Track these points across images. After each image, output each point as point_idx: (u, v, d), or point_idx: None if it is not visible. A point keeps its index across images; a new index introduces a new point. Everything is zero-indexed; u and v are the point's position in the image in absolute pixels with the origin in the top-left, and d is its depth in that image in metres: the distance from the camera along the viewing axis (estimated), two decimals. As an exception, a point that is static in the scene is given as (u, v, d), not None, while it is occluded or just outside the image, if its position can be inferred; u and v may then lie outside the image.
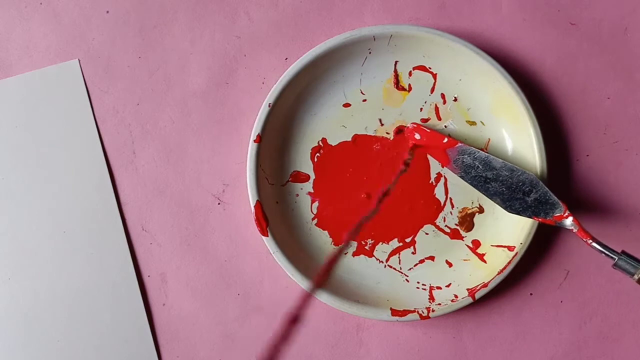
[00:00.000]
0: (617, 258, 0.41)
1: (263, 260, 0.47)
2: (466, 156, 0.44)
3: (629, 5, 0.47)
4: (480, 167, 0.44)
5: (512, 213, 0.43)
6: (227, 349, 0.46)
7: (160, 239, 0.47)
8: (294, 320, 0.34)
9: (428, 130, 0.45)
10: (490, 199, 0.44)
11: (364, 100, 0.46)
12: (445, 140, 0.45)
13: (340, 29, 0.47)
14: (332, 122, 0.46)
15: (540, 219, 0.43)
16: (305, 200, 0.46)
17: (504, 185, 0.43)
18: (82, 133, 0.47)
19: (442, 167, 0.46)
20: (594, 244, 0.42)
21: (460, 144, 0.44)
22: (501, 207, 0.44)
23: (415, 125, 0.46)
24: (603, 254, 0.42)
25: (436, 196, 0.46)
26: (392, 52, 0.46)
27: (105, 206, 0.46)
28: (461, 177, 0.45)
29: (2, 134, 0.46)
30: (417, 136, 0.45)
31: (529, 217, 0.43)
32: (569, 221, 0.42)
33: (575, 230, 0.42)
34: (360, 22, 0.47)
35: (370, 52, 0.45)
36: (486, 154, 0.44)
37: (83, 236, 0.46)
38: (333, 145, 0.46)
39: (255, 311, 0.47)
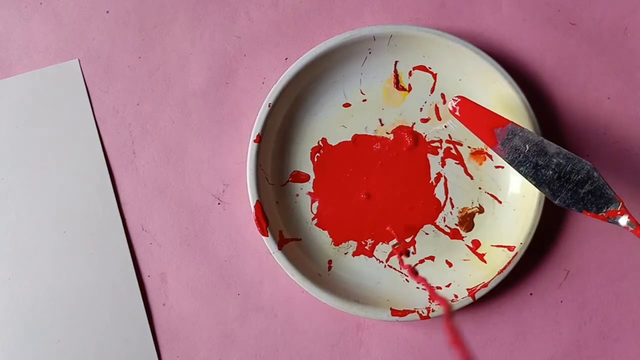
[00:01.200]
0: None
1: (263, 260, 0.47)
2: (517, 138, 0.40)
3: (629, 5, 0.47)
4: (532, 151, 0.40)
5: (560, 205, 0.40)
6: (227, 349, 0.46)
7: (160, 239, 0.47)
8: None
9: (475, 106, 0.41)
10: (538, 188, 0.40)
11: (364, 100, 0.46)
12: (495, 118, 0.41)
13: (340, 29, 0.47)
14: (332, 122, 0.46)
15: (591, 214, 0.40)
16: (305, 200, 0.46)
17: (555, 173, 0.39)
18: (82, 133, 0.47)
19: (490, 148, 0.42)
20: None
21: (511, 124, 0.40)
22: (549, 197, 0.40)
23: (460, 99, 0.42)
24: None
25: (436, 196, 0.46)
26: (392, 52, 0.46)
27: (105, 206, 0.46)
28: (508, 161, 0.41)
29: (2, 134, 0.46)
30: (459, 113, 0.42)
31: (579, 210, 0.40)
32: (624, 219, 0.39)
33: (632, 229, 0.39)
34: (360, 22, 0.47)
35: (370, 52, 0.45)
36: (540, 137, 0.40)
37: (83, 236, 0.46)
38: (333, 145, 0.46)
39: (255, 311, 0.47)
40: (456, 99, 0.42)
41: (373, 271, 0.46)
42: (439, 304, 0.35)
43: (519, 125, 0.41)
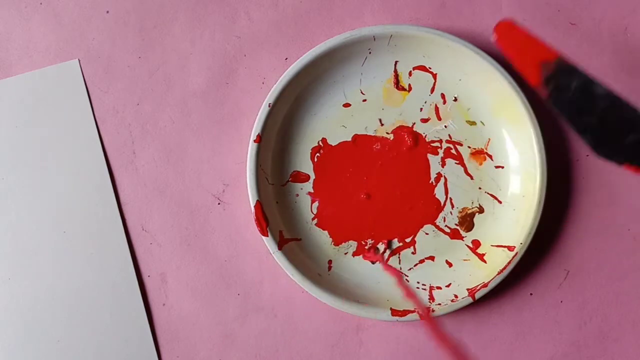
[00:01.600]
0: None
1: (263, 260, 0.47)
2: (564, 75, 0.36)
3: (629, 5, 0.47)
4: (577, 92, 0.35)
5: (601, 156, 0.36)
6: (227, 349, 0.46)
7: (160, 239, 0.47)
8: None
9: (523, 32, 0.36)
10: (580, 134, 0.36)
11: (364, 100, 0.46)
12: (543, 48, 0.36)
13: (340, 29, 0.47)
14: (332, 122, 0.46)
15: (633, 168, 0.36)
16: (305, 200, 0.46)
17: (599, 119, 0.35)
18: (82, 133, 0.47)
19: (531, 85, 0.37)
20: None
21: (559, 58, 0.36)
22: (590, 146, 0.36)
23: (502, 22, 0.37)
24: None
25: (436, 196, 0.46)
26: (392, 52, 0.46)
27: (105, 206, 0.46)
28: (551, 101, 0.36)
29: (2, 134, 0.46)
30: (498, 39, 0.37)
31: (620, 162, 0.36)
32: None
33: None
34: (360, 22, 0.47)
35: (370, 52, 0.45)
36: (590, 76, 0.36)
37: (83, 236, 0.46)
38: (333, 145, 0.46)
39: (255, 311, 0.47)
40: (505, 20, 0.37)
41: (373, 271, 0.46)
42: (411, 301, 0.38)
43: (568, 61, 0.36)
